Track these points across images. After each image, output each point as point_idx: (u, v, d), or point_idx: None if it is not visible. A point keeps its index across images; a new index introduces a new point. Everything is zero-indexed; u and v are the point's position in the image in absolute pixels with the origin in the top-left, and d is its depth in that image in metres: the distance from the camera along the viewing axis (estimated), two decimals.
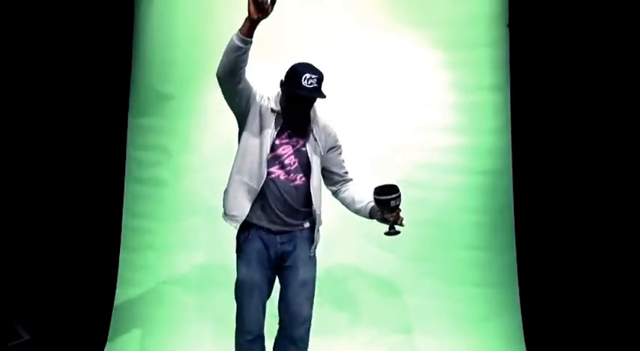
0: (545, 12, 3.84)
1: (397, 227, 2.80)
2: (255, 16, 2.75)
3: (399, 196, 2.76)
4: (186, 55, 4.26)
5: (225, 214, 2.97)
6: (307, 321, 2.96)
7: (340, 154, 3.07)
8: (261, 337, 2.98)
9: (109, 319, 4.13)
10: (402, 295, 4.00)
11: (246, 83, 2.85)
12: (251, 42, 2.76)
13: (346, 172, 3.09)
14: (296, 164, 2.92)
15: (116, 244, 4.23)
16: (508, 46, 3.94)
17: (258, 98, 2.92)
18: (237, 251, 3.03)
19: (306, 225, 2.99)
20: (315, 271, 3.02)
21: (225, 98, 2.88)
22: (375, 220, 2.89)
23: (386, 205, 2.76)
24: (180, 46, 4.28)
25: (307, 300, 2.96)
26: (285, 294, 2.99)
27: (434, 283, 3.99)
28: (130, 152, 4.29)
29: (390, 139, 4.07)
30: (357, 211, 2.99)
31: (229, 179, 3.00)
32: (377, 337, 3.96)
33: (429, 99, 4.07)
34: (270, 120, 2.90)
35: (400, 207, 2.78)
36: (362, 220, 3.09)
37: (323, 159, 3.00)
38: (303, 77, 2.78)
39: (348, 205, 3.03)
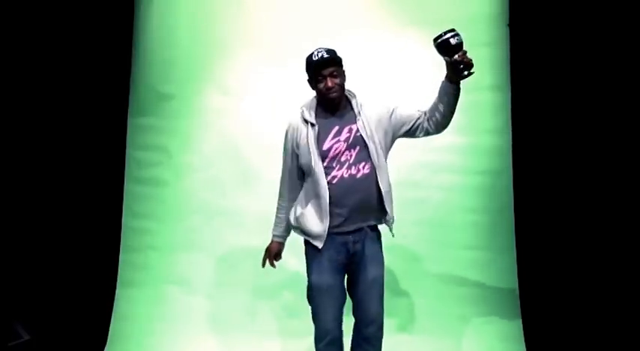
0: (546, 11, 3.82)
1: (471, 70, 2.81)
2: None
3: (457, 33, 2.77)
4: (186, 55, 4.28)
5: (309, 235, 2.96)
6: (379, 318, 2.97)
7: (401, 109, 3.08)
8: (339, 341, 2.98)
9: (109, 319, 4.13)
10: (401, 295, 4.00)
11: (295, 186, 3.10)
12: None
13: (419, 110, 3.09)
14: (354, 155, 2.91)
15: (116, 244, 4.23)
16: (508, 46, 3.93)
17: (289, 137, 3.05)
18: (307, 257, 3.02)
19: (373, 222, 2.99)
20: (383, 267, 3.02)
21: None
22: (458, 84, 2.95)
23: (447, 45, 2.76)
24: (180, 46, 4.29)
25: (377, 298, 2.97)
26: (355, 292, 2.99)
27: (434, 283, 3.99)
28: (130, 152, 4.29)
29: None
30: (442, 99, 3.00)
31: (302, 206, 2.99)
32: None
33: (430, 99, 4.04)
34: (307, 133, 2.94)
35: (463, 48, 2.82)
36: None
37: (390, 127, 3.01)
38: (313, 55, 2.94)
39: (438, 109, 3.03)
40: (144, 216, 4.24)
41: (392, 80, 4.06)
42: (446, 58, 2.82)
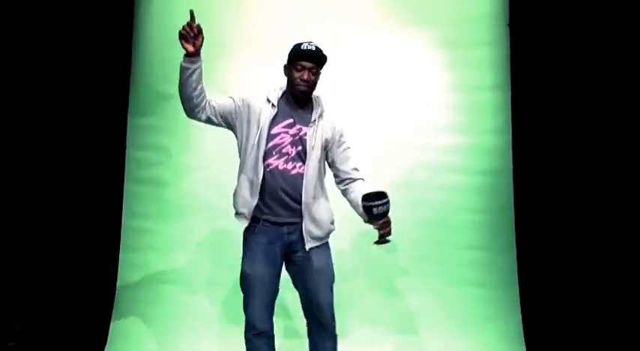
0: (546, 11, 3.83)
1: (388, 237, 2.75)
2: (190, 50, 3.02)
3: (385, 204, 2.71)
4: None
5: (236, 214, 3.01)
6: (329, 307, 2.99)
7: (346, 150, 3.06)
8: (267, 334, 2.99)
9: (110, 319, 4.13)
10: (402, 296, 4.01)
11: (216, 103, 2.97)
12: (197, 62, 2.99)
13: (355, 169, 3.07)
14: (294, 153, 2.92)
15: (116, 244, 4.23)
16: (509, 46, 3.93)
17: (240, 103, 2.99)
18: (243, 246, 3.04)
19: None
20: (328, 256, 3.03)
21: (210, 123, 3.02)
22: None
23: (369, 211, 2.72)
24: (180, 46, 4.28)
25: (325, 286, 2.99)
26: (302, 283, 3.01)
27: (434, 283, 3.99)
28: (130, 152, 4.28)
29: (390, 139, 4.07)
30: (353, 204, 2.99)
31: (237, 181, 3.01)
32: (378, 338, 3.97)
33: (430, 98, 4.07)
34: (264, 112, 2.94)
35: (390, 217, 2.73)
36: (360, 222, 3.07)
37: (329, 152, 3.01)
38: (303, 44, 2.93)
39: (353, 207, 3.01)
40: (144, 216, 4.23)
41: (392, 80, 4.06)
42: (366, 219, 2.81)
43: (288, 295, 3.99)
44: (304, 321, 3.14)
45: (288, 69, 2.98)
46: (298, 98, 2.96)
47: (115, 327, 4.10)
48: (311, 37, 4.04)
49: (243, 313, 4.00)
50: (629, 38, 3.70)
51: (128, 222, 4.25)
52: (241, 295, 4.06)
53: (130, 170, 4.27)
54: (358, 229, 3.90)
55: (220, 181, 4.18)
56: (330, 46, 4.05)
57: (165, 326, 4.06)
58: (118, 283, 4.20)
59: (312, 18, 4.14)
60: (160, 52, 4.28)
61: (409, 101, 4.07)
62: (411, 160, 3.99)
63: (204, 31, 4.21)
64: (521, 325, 3.85)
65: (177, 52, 4.29)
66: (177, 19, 4.28)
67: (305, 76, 2.90)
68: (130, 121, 4.30)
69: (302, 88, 2.92)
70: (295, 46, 2.96)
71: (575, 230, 3.74)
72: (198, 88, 2.93)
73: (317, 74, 2.95)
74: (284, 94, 3.01)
